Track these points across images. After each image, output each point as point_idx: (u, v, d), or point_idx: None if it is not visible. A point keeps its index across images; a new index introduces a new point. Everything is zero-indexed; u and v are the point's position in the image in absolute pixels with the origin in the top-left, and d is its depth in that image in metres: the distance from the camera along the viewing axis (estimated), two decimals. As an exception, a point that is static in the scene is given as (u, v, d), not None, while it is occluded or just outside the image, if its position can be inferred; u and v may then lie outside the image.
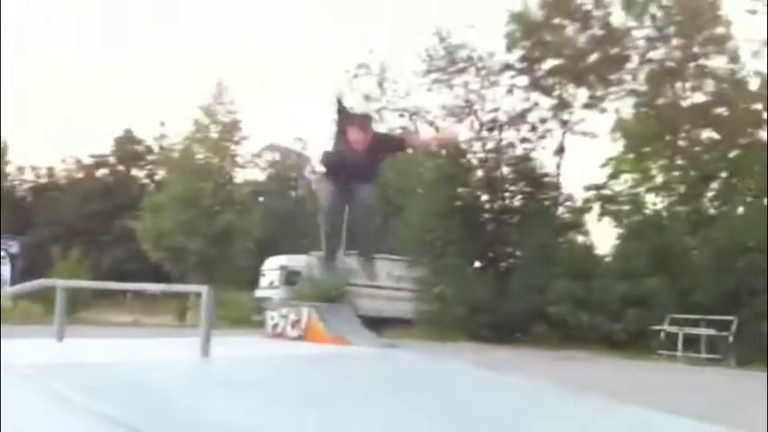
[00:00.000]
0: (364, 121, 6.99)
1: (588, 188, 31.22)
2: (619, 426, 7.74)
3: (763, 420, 9.14)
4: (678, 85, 30.12)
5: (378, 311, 27.28)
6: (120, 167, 59.06)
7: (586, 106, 30.31)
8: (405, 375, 9.86)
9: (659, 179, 30.90)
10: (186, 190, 32.99)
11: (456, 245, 27.91)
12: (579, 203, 31.24)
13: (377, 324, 23.83)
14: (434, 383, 9.48)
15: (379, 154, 6.96)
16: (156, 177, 52.12)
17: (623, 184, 31.77)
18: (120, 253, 44.57)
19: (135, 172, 59.01)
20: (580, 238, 30.54)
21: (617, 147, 31.90)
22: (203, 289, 7.85)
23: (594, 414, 8.47)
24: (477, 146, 30.25)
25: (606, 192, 31.44)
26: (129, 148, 58.03)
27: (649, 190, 31.23)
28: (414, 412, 6.78)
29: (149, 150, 56.17)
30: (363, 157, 6.71)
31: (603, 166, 31.88)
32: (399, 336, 23.57)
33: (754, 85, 28.75)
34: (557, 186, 30.46)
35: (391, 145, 7.49)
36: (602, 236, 36.86)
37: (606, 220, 30.98)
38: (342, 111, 6.88)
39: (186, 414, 4.87)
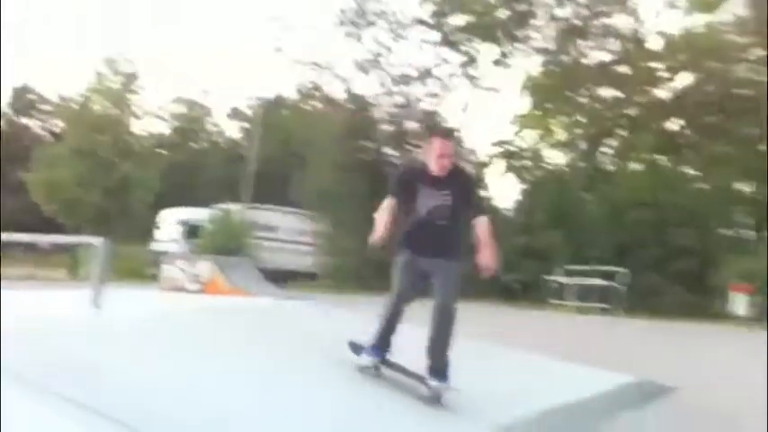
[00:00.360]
0: (447, 131, 5.68)
1: (495, 144, 31.62)
2: (518, 374, 7.96)
3: (647, 364, 9.56)
4: (583, 43, 30.66)
5: (281, 264, 27.13)
6: (14, 119, 56.66)
7: (495, 63, 30.59)
8: (302, 325, 9.86)
9: (562, 136, 31.57)
10: (83, 141, 31.98)
11: (359, 198, 27.93)
12: (482, 158, 31.66)
13: (280, 277, 23.73)
14: (328, 333, 9.50)
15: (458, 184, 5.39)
16: (55, 129, 50.23)
17: (528, 140, 32.31)
18: (11, 205, 42.87)
19: (30, 123, 56.69)
20: (482, 193, 31.06)
21: (525, 103, 32.35)
22: (97, 240, 7.59)
23: (496, 363, 8.68)
24: (384, 100, 30.19)
25: (511, 148, 31.89)
26: (24, 99, 55.77)
27: (552, 146, 31.90)
28: (308, 361, 6.78)
29: (45, 101, 54.03)
30: (450, 195, 5.25)
31: (512, 123, 32.31)
32: (302, 288, 23.55)
33: (654, 44, 29.69)
34: (460, 141, 30.78)
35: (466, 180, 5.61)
36: (506, 190, 37.38)
37: (510, 175, 31.49)
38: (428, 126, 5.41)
39: (76, 365, 4.72)
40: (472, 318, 16.30)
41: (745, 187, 27.60)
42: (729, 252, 22.19)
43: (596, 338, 14.67)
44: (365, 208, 26.18)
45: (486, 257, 5.03)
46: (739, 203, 27.10)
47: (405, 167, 5.84)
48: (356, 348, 5.74)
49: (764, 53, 26.78)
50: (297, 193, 29.29)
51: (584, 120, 30.78)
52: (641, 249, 23.57)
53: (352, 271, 26.63)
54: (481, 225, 5.22)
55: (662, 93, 29.86)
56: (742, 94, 27.55)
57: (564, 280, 22.81)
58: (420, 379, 5.34)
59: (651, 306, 21.54)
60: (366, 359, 5.58)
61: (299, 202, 29.34)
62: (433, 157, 5.31)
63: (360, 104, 29.80)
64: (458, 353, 8.99)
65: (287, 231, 29.28)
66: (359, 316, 12.49)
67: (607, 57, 30.26)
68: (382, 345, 5.54)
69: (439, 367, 5.22)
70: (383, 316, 5.45)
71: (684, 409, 6.92)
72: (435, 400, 5.16)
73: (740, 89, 27.67)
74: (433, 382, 5.19)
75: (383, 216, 5.30)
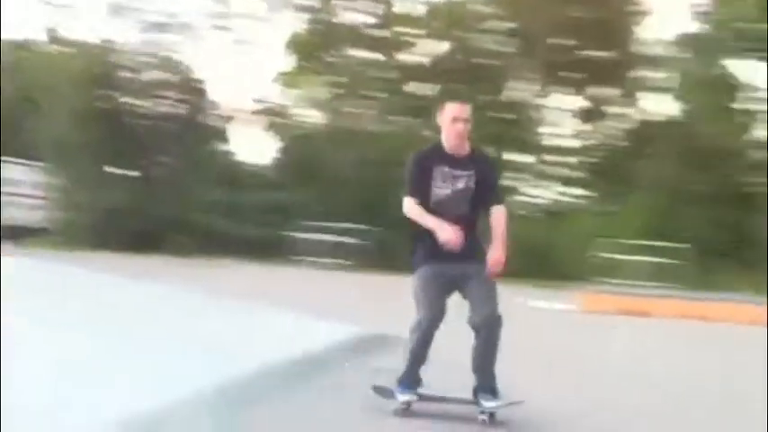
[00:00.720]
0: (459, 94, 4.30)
1: (255, 100, 30.97)
2: (245, 328, 7.97)
3: (379, 317, 9.92)
4: (344, 3, 30.81)
5: (6, 220, 25.03)
6: None
7: (254, 18, 29.97)
8: (29, 283, 9.22)
9: (320, 95, 31.58)
10: None
11: (98, 149, 26.40)
12: (231, 113, 30.95)
13: (7, 234, 21.96)
14: (58, 290, 8.96)
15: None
16: None
17: (288, 98, 31.98)
18: None
19: None
20: (231, 148, 30.51)
21: (287, 61, 31.90)
22: None
23: (223, 318, 8.61)
24: (131, 47, 28.58)
25: (272, 105, 31.40)
26: None
27: (311, 105, 31.83)
28: (36, 319, 6.41)
29: None
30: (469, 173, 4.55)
31: (274, 80, 31.81)
32: (35, 244, 22.03)
33: (414, 10, 30.47)
34: (208, 94, 29.89)
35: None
36: (261, 147, 36.60)
37: (264, 131, 31.10)
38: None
39: None
40: (218, 276, 16.13)
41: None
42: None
43: (333, 293, 15.02)
44: (102, 160, 24.99)
45: (499, 253, 4.46)
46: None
47: (416, 153, 4.72)
48: (384, 392, 4.78)
49: (510, 25, 28.80)
50: (29, 142, 27.11)
51: (342, 80, 31.06)
52: (385, 207, 24.39)
53: (86, 227, 25.22)
54: (499, 215, 4.59)
55: (417, 58, 30.90)
56: (485, 64, 29.33)
57: (309, 236, 23.15)
58: (471, 403, 4.66)
59: (391, 262, 22.46)
60: (402, 397, 4.64)
61: (30, 151, 27.15)
62: (447, 125, 4.57)
63: (104, 50, 28.08)
64: (204, 312, 8.85)
65: (14, 183, 27.04)
66: (90, 273, 11.92)
67: (368, 19, 30.74)
68: (413, 379, 4.70)
69: (490, 384, 4.56)
70: (411, 346, 4.64)
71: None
72: (492, 420, 4.55)
73: (486, 59, 29.41)
74: (489, 403, 4.54)
75: (427, 217, 4.52)
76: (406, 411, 4.65)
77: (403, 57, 30.93)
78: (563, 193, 29.69)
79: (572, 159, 29.22)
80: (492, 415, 4.55)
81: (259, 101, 31.10)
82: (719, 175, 24.93)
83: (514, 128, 28.56)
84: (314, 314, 8.93)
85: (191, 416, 4.13)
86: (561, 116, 29.77)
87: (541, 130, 29.58)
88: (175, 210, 25.13)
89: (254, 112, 30.98)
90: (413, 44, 30.71)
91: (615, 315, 12.54)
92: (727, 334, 10.98)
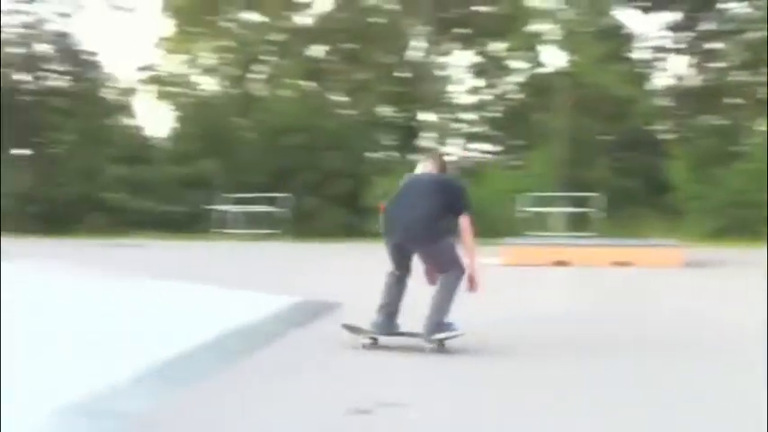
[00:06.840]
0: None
1: (142, 69, 29.76)
2: (187, 304, 7.86)
3: (312, 284, 9.91)
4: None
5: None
6: None
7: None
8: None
9: (209, 61, 30.66)
10: None
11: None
12: (125, 85, 29.63)
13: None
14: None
15: None
16: None
17: (177, 65, 30.85)
18: None
19: None
20: (131, 121, 29.39)
21: (168, 26, 30.70)
22: None
23: (165, 296, 8.45)
24: (10, 19, 27.01)
25: (160, 73, 30.26)
26: None
27: (204, 72, 30.83)
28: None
29: None
30: None
31: (157, 46, 30.56)
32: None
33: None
34: (99, 66, 28.55)
35: None
36: (159, 118, 35.04)
37: (161, 102, 29.98)
38: None
39: None
40: (132, 254, 15.71)
41: (388, 112, 29.29)
42: (378, 174, 23.24)
43: (263, 263, 14.84)
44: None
45: None
46: (382, 127, 28.78)
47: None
48: (446, 326, 5.70)
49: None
50: None
51: (231, 44, 30.15)
52: (299, 174, 24.08)
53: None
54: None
55: (304, 19, 30.28)
56: (377, 23, 29.01)
57: (226, 208, 22.68)
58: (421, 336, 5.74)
59: (314, 228, 22.26)
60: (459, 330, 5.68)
61: None
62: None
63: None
64: (112, 290, 8.62)
65: None
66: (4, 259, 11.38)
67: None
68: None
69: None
70: (455, 293, 5.73)
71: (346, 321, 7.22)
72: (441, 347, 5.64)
73: (375, 17, 29.07)
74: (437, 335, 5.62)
75: None
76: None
77: (290, 17, 30.10)
78: (470, 150, 29.71)
79: (473, 116, 29.18)
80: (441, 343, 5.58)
81: (145, 68, 29.91)
82: (621, 123, 25.49)
83: (414, 87, 28.35)
84: (242, 285, 8.86)
85: (129, 396, 4.08)
86: (458, 72, 29.63)
87: (442, 87, 29.24)
88: (83, 188, 24.28)
89: (144, 81, 29.72)
90: (296, 4, 29.87)
91: (536, 266, 12.70)
92: (645, 276, 11.26)
